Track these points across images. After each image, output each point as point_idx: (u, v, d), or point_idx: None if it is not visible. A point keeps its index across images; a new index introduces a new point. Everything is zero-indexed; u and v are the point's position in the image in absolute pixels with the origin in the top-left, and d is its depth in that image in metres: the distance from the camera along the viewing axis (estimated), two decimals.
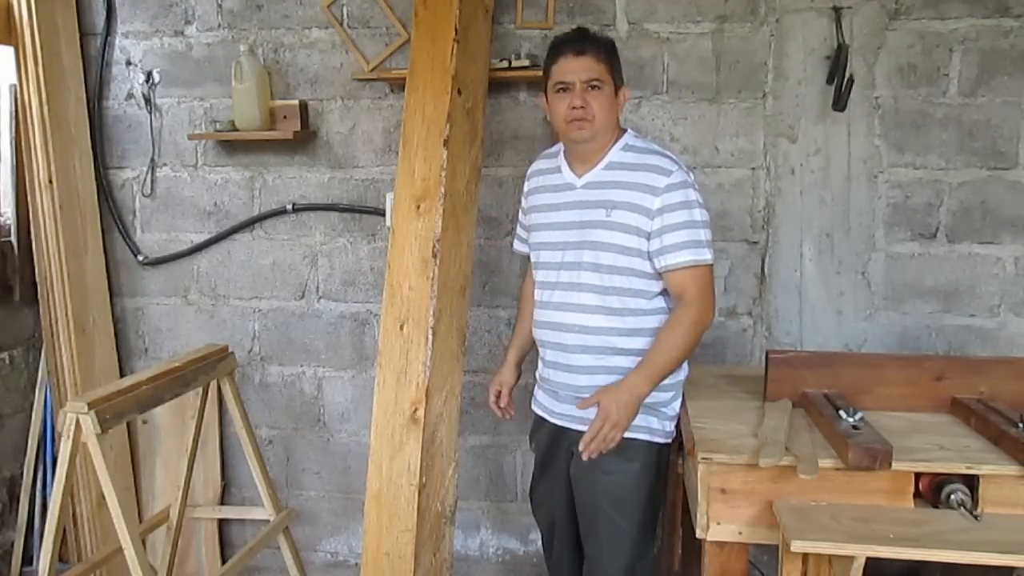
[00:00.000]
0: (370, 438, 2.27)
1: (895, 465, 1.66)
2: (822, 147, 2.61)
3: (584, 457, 1.86)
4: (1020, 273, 2.59)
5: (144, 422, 2.98)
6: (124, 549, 2.09)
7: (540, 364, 2.15)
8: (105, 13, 2.86)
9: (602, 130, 1.96)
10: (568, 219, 2.02)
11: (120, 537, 2.09)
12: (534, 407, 2.20)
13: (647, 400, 1.95)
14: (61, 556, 2.78)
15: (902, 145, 2.58)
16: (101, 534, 2.81)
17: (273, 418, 3.01)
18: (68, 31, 2.81)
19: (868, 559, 1.52)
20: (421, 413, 2.21)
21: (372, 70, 2.73)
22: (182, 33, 2.87)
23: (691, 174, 1.99)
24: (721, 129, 2.64)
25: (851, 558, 1.52)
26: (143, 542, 2.35)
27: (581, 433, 1.86)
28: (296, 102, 2.77)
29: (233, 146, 2.88)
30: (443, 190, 2.29)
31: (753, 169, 2.66)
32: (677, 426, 2.06)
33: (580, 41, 1.96)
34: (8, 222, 2.86)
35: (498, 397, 2.26)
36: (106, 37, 2.88)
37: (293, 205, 2.87)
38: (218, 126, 2.80)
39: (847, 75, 2.48)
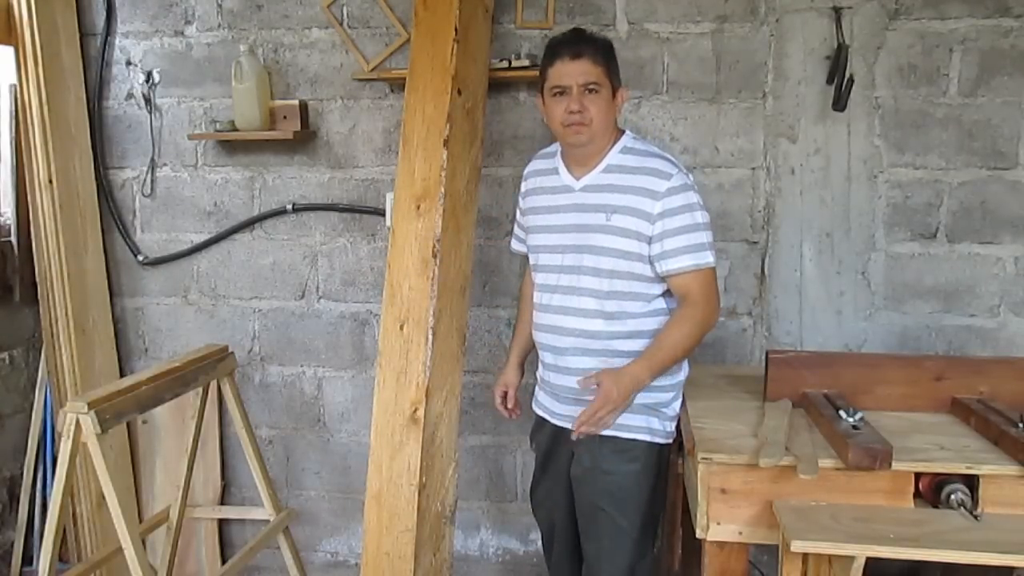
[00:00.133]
0: (370, 438, 2.27)
1: (895, 465, 1.66)
2: (822, 147, 2.61)
3: (573, 437, 1.88)
4: (1020, 273, 2.59)
5: (144, 422, 2.98)
6: (124, 549, 2.09)
7: (540, 366, 2.15)
8: (105, 13, 2.86)
9: (600, 133, 1.95)
10: (566, 222, 2.01)
11: (120, 537, 2.09)
12: (535, 407, 2.20)
13: (648, 401, 1.96)
14: (61, 556, 2.79)
15: (902, 145, 2.58)
16: (101, 534, 2.81)
17: (273, 418, 3.01)
18: (68, 31, 2.81)
19: (868, 559, 1.52)
20: (421, 413, 2.21)
21: (372, 70, 2.73)
22: (182, 33, 2.86)
23: (690, 175, 1.98)
24: (721, 129, 2.64)
25: (851, 558, 1.52)
26: (143, 542, 2.35)
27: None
28: (296, 102, 2.77)
29: (233, 146, 2.88)
30: (443, 190, 2.29)
31: (753, 169, 2.66)
32: (677, 426, 2.06)
33: (576, 43, 1.94)
34: (8, 222, 2.86)
35: (504, 398, 2.27)
36: (106, 37, 2.88)
37: (293, 205, 2.87)
38: (218, 126, 2.80)
39: (847, 75, 2.48)
